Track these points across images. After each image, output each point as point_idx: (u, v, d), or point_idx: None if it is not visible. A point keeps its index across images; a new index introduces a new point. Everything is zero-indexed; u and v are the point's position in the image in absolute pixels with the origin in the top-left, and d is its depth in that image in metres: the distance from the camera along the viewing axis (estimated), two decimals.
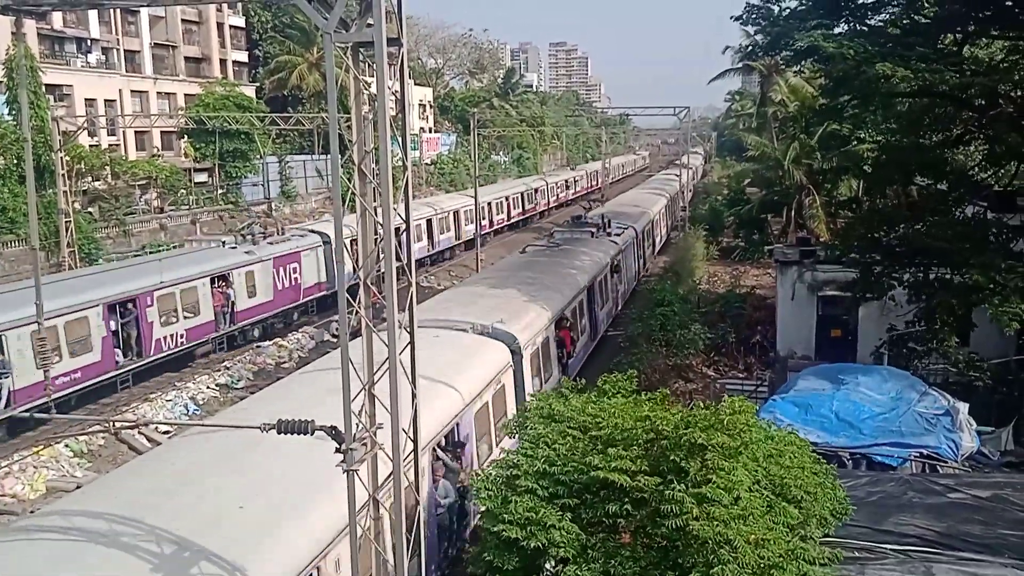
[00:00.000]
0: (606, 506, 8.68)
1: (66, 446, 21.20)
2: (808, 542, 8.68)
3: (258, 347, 30.28)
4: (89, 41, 54.19)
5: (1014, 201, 19.76)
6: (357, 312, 8.16)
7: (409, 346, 8.60)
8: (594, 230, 32.89)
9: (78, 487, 16.39)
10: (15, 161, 35.37)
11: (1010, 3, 17.40)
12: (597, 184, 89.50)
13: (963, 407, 14.16)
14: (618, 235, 33.69)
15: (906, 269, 18.16)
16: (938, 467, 12.74)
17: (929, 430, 13.42)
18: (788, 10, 19.63)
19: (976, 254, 16.24)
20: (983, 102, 17.47)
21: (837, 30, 19.11)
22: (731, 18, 21.20)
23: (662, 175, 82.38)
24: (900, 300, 18.80)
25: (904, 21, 18.97)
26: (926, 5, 18.20)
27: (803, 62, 19.17)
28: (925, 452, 12.96)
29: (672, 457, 8.57)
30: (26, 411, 20.44)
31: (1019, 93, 17.66)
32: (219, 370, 27.82)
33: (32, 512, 14.39)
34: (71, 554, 8.15)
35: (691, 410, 9.45)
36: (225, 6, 62.12)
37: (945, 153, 19.88)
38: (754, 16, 20.36)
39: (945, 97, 17.53)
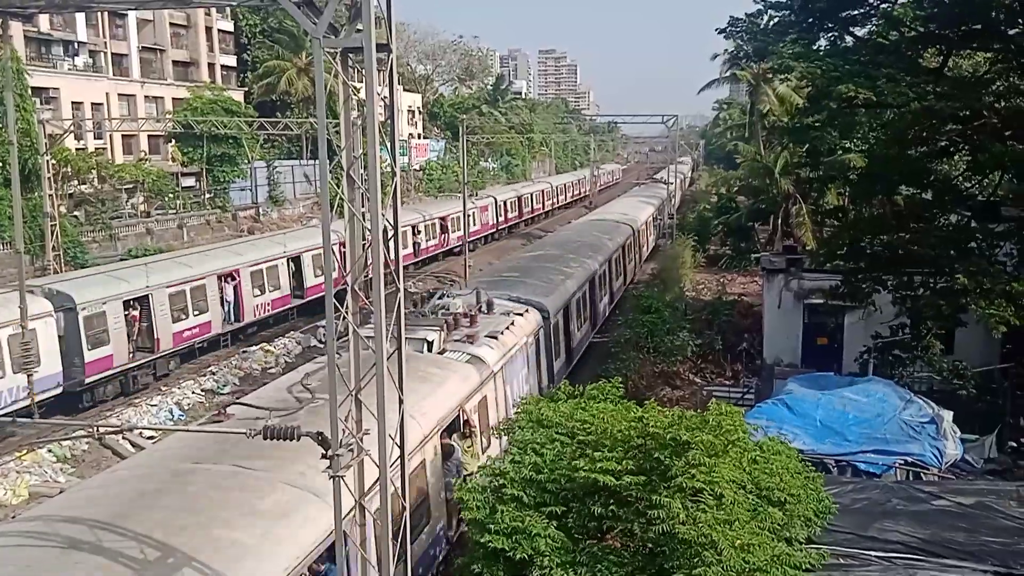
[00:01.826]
0: (592, 510, 8.68)
1: (49, 451, 21.02)
2: (793, 544, 8.74)
3: (244, 352, 30.20)
4: (76, 44, 53.95)
5: (998, 211, 19.94)
6: (344, 318, 8.14)
7: (396, 352, 8.60)
8: (439, 334, 15.66)
9: (61, 492, 16.22)
10: (0, 164, 35.13)
11: (994, 16, 17.58)
12: (519, 215, 65.47)
13: (947, 415, 14.30)
14: (496, 337, 16.61)
15: (890, 275, 18.29)
16: (922, 474, 12.85)
17: (914, 438, 13.54)
18: (776, 18, 19.81)
19: (960, 260, 16.41)
20: (966, 113, 17.65)
21: (821, 42, 19.31)
22: (716, 31, 21.44)
23: (641, 191, 67.90)
24: (885, 308, 18.91)
25: (892, 33, 19.14)
26: (908, 23, 18.39)
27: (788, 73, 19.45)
28: (909, 459, 13.09)
29: (656, 455, 8.60)
30: (7, 415, 20.33)
31: (1002, 104, 17.84)
32: (204, 375, 27.72)
33: (13, 517, 14.23)
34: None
35: (681, 413, 9.50)
36: (214, 10, 62.01)
37: (930, 163, 20.06)
38: (738, 30, 20.60)
39: (924, 112, 17.72)
